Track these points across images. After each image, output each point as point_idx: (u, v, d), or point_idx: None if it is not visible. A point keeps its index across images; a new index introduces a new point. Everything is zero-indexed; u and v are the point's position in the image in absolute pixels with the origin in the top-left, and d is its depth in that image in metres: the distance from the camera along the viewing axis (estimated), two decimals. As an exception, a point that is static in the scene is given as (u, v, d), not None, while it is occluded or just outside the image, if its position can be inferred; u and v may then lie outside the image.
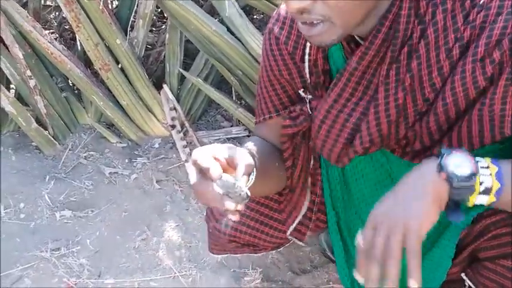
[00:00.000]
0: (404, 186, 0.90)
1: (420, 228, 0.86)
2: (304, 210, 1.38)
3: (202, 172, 0.91)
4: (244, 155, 0.93)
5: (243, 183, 0.88)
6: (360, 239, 0.90)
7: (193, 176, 0.92)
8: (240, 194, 0.87)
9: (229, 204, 0.88)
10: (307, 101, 1.19)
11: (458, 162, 0.86)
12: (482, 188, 0.87)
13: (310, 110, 1.18)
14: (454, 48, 0.95)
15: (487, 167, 0.87)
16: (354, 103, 1.07)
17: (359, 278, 0.89)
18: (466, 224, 1.21)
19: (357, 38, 1.04)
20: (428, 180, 0.88)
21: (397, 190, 0.90)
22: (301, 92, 1.20)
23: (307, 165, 1.33)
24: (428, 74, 0.98)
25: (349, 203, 1.38)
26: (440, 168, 0.87)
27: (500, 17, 0.90)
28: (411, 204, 0.87)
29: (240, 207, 0.88)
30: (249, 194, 0.89)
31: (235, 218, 0.91)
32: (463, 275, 1.25)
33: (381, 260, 0.86)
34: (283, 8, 1.16)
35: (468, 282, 1.24)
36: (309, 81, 1.16)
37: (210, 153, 0.91)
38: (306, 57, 1.14)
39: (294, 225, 1.39)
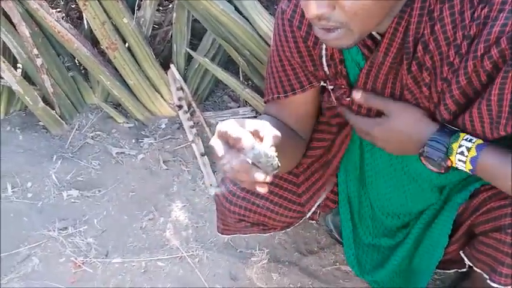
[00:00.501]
0: (402, 133, 1.10)
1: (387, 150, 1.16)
2: (329, 189, 1.41)
3: (229, 144, 0.90)
4: (270, 127, 0.92)
5: (273, 153, 0.87)
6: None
7: (220, 148, 0.90)
8: (271, 164, 0.86)
9: (259, 175, 0.86)
10: (330, 90, 1.21)
11: (436, 146, 1.05)
12: (457, 164, 1.05)
13: (336, 99, 1.21)
14: (462, 46, 0.96)
15: (466, 155, 1.03)
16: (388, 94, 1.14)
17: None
18: (464, 198, 1.22)
19: (373, 33, 1.06)
20: (413, 145, 1.09)
21: (397, 131, 1.11)
22: (323, 83, 1.22)
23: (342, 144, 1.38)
24: (440, 67, 1.01)
25: (361, 187, 1.38)
26: (423, 144, 1.07)
27: (502, 13, 0.90)
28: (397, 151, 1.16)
29: (269, 178, 0.87)
30: (279, 164, 0.88)
31: (264, 190, 0.90)
32: (461, 252, 1.25)
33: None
34: None
35: (465, 259, 1.25)
36: (328, 73, 1.18)
37: (238, 125, 0.90)
38: (323, 51, 1.15)
39: (319, 202, 1.40)
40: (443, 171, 1.06)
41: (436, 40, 0.98)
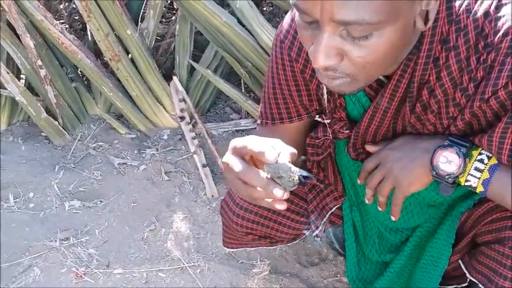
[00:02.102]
0: (413, 151, 1.08)
1: (407, 190, 1.10)
2: (337, 206, 1.43)
3: (245, 160, 0.88)
4: (285, 144, 0.90)
5: (296, 168, 0.85)
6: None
7: (237, 164, 0.87)
8: (292, 179, 0.84)
9: (278, 191, 0.84)
10: (328, 125, 1.22)
11: (450, 158, 1.03)
12: (467, 184, 1.05)
13: (332, 132, 1.22)
14: (469, 88, 0.98)
15: (481, 170, 1.03)
16: (392, 133, 1.17)
17: (358, 181, 1.22)
18: (467, 207, 1.22)
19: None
20: (424, 158, 1.06)
21: (408, 148, 1.09)
22: (318, 118, 1.23)
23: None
24: (446, 107, 1.03)
25: (362, 206, 1.39)
26: (432, 155, 1.05)
27: (509, 58, 0.92)
28: (408, 169, 1.08)
29: (286, 195, 0.85)
30: (299, 180, 0.86)
31: (283, 207, 0.88)
32: (459, 261, 1.25)
33: (373, 189, 1.16)
34: (289, 17, 1.14)
35: (463, 268, 1.24)
36: (326, 106, 1.18)
37: (257, 139, 0.88)
38: (325, 89, 1.15)
39: (324, 220, 1.41)
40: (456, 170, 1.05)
41: (442, 86, 1.00)
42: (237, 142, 0.88)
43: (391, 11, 0.80)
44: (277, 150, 0.86)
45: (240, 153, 0.88)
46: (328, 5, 0.79)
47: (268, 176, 0.85)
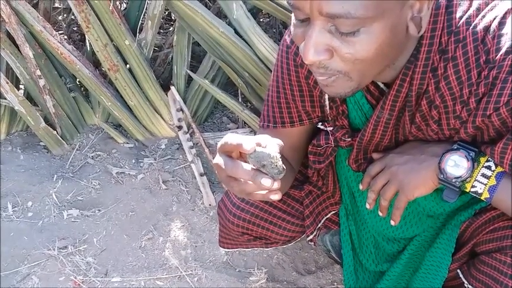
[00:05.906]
0: (421, 154, 1.10)
1: (411, 194, 1.11)
2: (332, 212, 1.44)
3: (232, 157, 0.89)
4: (271, 138, 0.91)
5: (277, 154, 0.85)
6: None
7: (222, 161, 0.88)
8: (276, 166, 0.85)
9: (266, 181, 0.84)
10: (330, 133, 1.23)
11: (458, 162, 1.04)
12: (472, 190, 1.06)
13: (335, 140, 1.23)
14: (470, 102, 0.99)
15: (488, 177, 1.04)
16: (393, 142, 1.18)
17: (360, 187, 1.23)
18: (467, 217, 1.23)
19: (378, 83, 1.09)
20: (431, 161, 1.08)
21: (416, 152, 1.11)
22: (320, 125, 1.24)
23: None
24: (447, 119, 1.04)
25: (358, 215, 1.40)
26: (440, 158, 1.06)
27: (511, 76, 0.93)
28: (414, 172, 1.10)
29: (276, 185, 0.85)
30: (284, 167, 0.86)
31: (277, 197, 0.89)
32: (458, 270, 1.25)
33: (377, 192, 1.17)
34: None
35: (461, 277, 1.24)
36: (328, 113, 1.20)
37: (236, 134, 0.89)
38: (327, 96, 1.17)
39: (319, 225, 1.43)
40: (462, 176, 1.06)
41: (441, 96, 1.01)
42: (220, 142, 0.90)
43: (378, 7, 0.82)
44: (263, 144, 0.87)
45: (224, 151, 0.90)
46: None
47: (254, 167, 0.86)
